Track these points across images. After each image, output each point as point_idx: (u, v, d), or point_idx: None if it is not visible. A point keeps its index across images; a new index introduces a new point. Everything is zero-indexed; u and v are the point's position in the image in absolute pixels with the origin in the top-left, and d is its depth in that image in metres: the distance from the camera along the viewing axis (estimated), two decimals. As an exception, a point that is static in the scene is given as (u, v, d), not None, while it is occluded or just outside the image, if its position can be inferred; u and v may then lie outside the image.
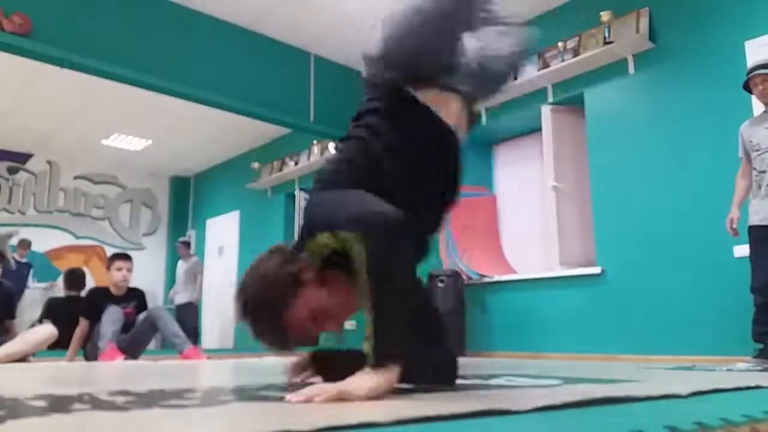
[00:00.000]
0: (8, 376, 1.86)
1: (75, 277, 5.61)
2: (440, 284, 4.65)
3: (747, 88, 3.10)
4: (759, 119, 3.11)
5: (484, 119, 5.19)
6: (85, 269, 6.47)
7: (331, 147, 6.10)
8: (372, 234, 1.10)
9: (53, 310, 4.91)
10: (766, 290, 2.89)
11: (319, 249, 1.23)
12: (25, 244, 6.98)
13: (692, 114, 3.84)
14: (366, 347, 1.08)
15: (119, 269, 3.71)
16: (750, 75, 3.05)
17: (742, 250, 3.21)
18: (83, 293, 5.17)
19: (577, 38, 4.48)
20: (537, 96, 4.78)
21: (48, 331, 3.42)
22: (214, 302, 7.75)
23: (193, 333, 6.47)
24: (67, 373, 2.05)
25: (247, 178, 7.31)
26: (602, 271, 4.14)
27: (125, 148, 7.60)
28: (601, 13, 4.24)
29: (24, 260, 6.94)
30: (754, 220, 3.01)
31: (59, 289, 6.66)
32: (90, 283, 5.89)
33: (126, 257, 3.81)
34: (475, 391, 1.18)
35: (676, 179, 3.85)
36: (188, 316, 6.88)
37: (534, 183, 5.09)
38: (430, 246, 1.49)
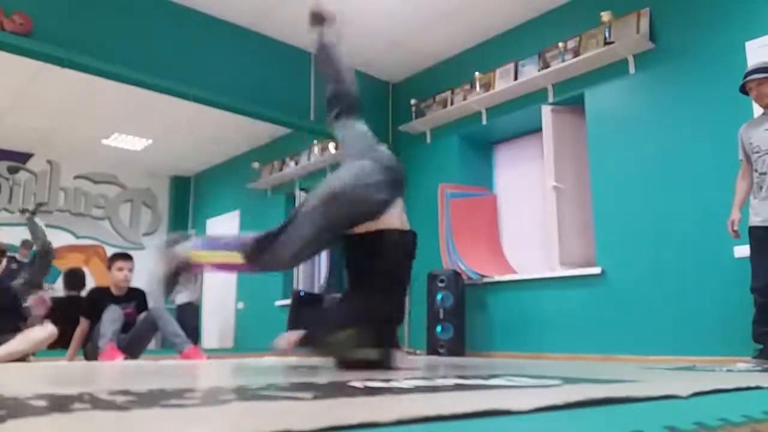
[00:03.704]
0: (8, 376, 1.86)
1: (75, 277, 5.62)
2: (440, 284, 4.66)
3: (744, 91, 3.12)
4: (758, 121, 3.12)
5: (484, 119, 5.20)
6: (85, 269, 6.47)
7: (332, 147, 6.10)
8: None
9: (54, 310, 4.92)
10: (766, 290, 2.89)
11: None
12: (27, 244, 6.97)
13: (692, 114, 3.84)
14: None
15: (120, 269, 3.71)
16: (744, 80, 3.06)
17: (743, 251, 3.21)
18: (83, 293, 5.17)
19: (577, 38, 4.48)
20: (537, 96, 4.78)
21: (48, 330, 3.42)
22: (214, 302, 7.75)
23: (194, 333, 6.47)
24: (67, 373, 2.05)
25: (247, 178, 7.31)
26: (602, 271, 4.14)
27: (125, 147, 7.60)
28: (602, 13, 4.24)
29: (26, 260, 6.94)
30: (755, 221, 3.01)
31: (52, 290, 6.65)
32: (90, 282, 5.89)
33: (127, 257, 3.81)
34: (475, 391, 1.18)
35: (676, 179, 3.86)
36: (188, 316, 6.87)
37: (534, 183, 5.09)
38: None
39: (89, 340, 3.63)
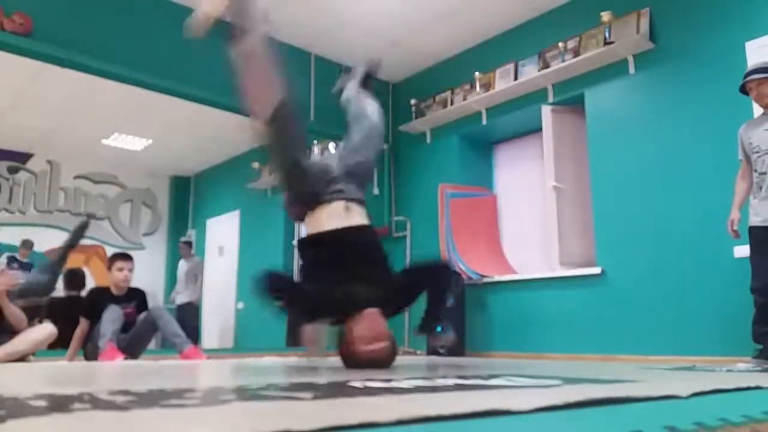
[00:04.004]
0: (8, 376, 1.86)
1: (75, 277, 5.62)
2: (440, 284, 4.65)
3: (744, 91, 3.12)
4: (757, 121, 3.12)
5: (484, 119, 5.20)
6: (85, 269, 6.47)
7: (332, 147, 6.10)
8: None
9: (54, 310, 4.92)
10: (766, 290, 2.89)
11: None
12: (27, 244, 6.98)
13: (692, 114, 3.84)
14: None
15: (120, 269, 3.71)
16: (744, 80, 3.06)
17: (742, 251, 3.21)
18: (83, 293, 5.17)
19: (577, 38, 4.48)
20: (537, 96, 4.78)
21: (48, 330, 3.42)
22: (214, 302, 7.75)
23: (194, 333, 6.47)
24: (67, 373, 2.05)
25: (247, 178, 7.31)
26: (602, 271, 4.14)
27: (125, 147, 7.60)
28: (602, 13, 4.24)
29: (26, 260, 6.94)
30: (755, 221, 3.01)
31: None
32: (90, 282, 5.89)
33: (127, 257, 3.81)
34: (475, 391, 1.18)
35: (676, 179, 3.86)
36: (189, 316, 6.88)
37: (534, 183, 5.09)
38: None
39: (89, 340, 3.63)
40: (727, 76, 3.60)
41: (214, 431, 0.69)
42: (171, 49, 4.69)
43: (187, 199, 8.95)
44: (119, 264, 3.72)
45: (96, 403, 0.91)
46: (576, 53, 4.45)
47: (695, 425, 0.73)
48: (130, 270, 3.75)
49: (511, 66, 4.96)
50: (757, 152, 3.04)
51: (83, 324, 3.67)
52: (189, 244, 7.65)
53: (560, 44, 4.54)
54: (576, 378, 1.59)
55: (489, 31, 5.17)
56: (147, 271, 7.61)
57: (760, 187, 3.01)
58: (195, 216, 8.84)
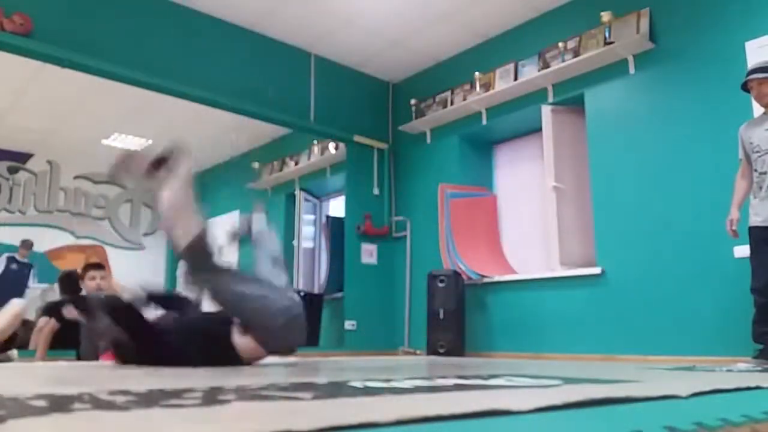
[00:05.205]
0: (8, 376, 1.86)
1: (70, 281, 5.61)
2: (440, 284, 4.66)
3: (746, 89, 3.12)
4: (758, 121, 3.12)
5: (484, 119, 5.20)
6: (85, 269, 6.43)
7: (332, 147, 6.10)
8: None
9: (53, 312, 4.92)
10: (766, 290, 2.90)
11: None
12: (27, 244, 6.99)
13: (692, 114, 3.84)
14: None
15: (93, 278, 3.80)
16: (745, 79, 3.07)
17: (742, 251, 3.21)
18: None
19: (577, 38, 4.49)
20: (537, 96, 4.79)
21: (18, 304, 3.46)
22: (214, 302, 7.74)
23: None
24: (67, 373, 2.05)
25: (247, 178, 7.31)
26: (602, 271, 4.14)
27: (125, 147, 7.60)
28: (602, 13, 4.24)
29: (25, 260, 6.94)
30: (755, 221, 3.01)
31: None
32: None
33: (99, 267, 3.93)
34: (475, 391, 1.18)
35: (676, 179, 3.86)
36: (188, 316, 6.87)
37: (534, 183, 5.09)
38: None
39: (82, 340, 3.64)
40: (727, 76, 3.60)
41: (214, 431, 0.69)
42: (171, 49, 4.70)
43: (187, 199, 8.93)
44: (91, 273, 3.84)
45: (96, 403, 0.91)
46: (576, 53, 4.45)
47: (695, 425, 0.73)
48: (102, 278, 3.83)
49: (511, 66, 4.96)
50: (757, 152, 3.04)
51: (51, 322, 3.70)
52: (189, 244, 7.66)
53: (560, 44, 4.54)
54: (576, 378, 1.59)
55: (489, 31, 5.17)
56: (147, 271, 7.60)
57: (760, 187, 3.01)
58: (195, 216, 8.82)
